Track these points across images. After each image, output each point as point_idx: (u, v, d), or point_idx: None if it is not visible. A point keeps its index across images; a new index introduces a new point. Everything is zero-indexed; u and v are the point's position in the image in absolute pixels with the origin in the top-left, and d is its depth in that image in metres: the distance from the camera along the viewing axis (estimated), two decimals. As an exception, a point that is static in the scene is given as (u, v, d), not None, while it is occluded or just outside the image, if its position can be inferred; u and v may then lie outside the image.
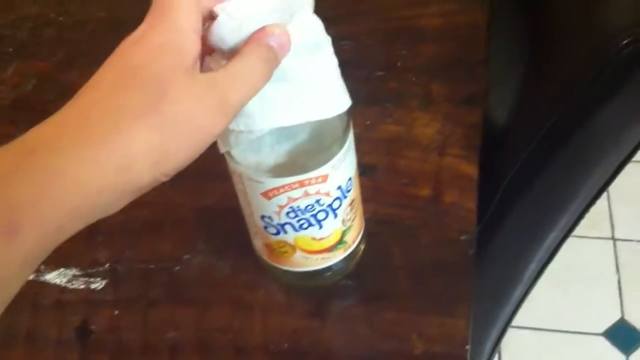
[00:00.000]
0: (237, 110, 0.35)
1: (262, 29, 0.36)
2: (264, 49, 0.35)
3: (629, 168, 0.55)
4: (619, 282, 1.38)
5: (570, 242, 0.66)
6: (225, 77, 0.34)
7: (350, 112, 0.44)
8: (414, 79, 0.67)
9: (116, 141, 0.30)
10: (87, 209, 0.31)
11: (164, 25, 0.34)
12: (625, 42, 0.42)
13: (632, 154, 0.52)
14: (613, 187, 0.57)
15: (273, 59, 0.36)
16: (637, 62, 0.42)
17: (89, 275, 0.57)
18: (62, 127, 0.31)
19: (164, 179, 0.33)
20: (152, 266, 0.57)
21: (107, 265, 0.58)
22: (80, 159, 0.30)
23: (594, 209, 0.61)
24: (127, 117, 0.31)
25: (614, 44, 0.42)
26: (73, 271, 0.57)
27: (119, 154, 0.30)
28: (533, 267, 0.70)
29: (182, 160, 0.33)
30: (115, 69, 0.33)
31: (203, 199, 0.61)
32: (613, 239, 1.44)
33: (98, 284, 0.56)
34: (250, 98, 0.35)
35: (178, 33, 0.34)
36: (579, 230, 0.65)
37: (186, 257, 0.57)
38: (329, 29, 0.40)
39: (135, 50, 0.33)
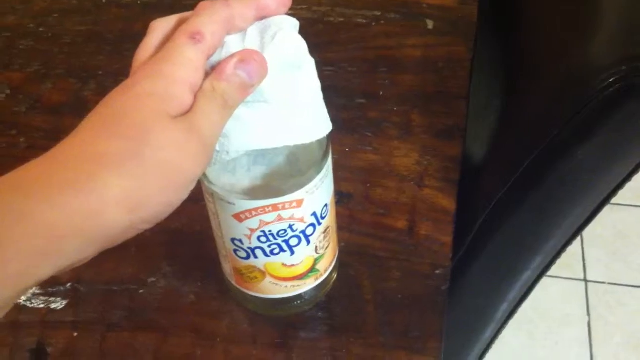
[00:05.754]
0: (214, 146, 0.35)
1: (233, 56, 0.35)
2: (224, 82, 0.34)
3: (603, 210, 0.55)
4: (588, 324, 1.38)
5: (541, 282, 0.66)
6: (201, 118, 0.33)
7: (330, 138, 0.43)
8: (394, 108, 0.67)
9: (88, 187, 0.30)
10: (53, 253, 0.29)
11: (156, 73, 0.33)
12: (611, 79, 0.41)
13: (611, 195, 0.52)
14: (586, 229, 0.57)
15: (238, 89, 0.35)
16: (624, 98, 0.42)
17: (49, 295, 0.55)
18: (33, 171, 0.31)
19: (144, 226, 0.33)
20: (115, 288, 0.55)
21: (68, 284, 0.55)
22: (48, 202, 0.29)
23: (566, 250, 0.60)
24: (103, 165, 0.30)
25: (598, 81, 0.42)
26: (33, 289, 0.55)
27: (90, 200, 0.30)
28: (505, 307, 0.69)
29: (162, 206, 0.33)
30: (98, 116, 0.33)
31: (171, 221, 0.58)
32: (585, 280, 1.45)
33: (58, 304, 0.54)
34: (220, 130, 0.35)
35: (167, 81, 0.33)
36: (550, 270, 0.64)
37: (151, 280, 0.55)
38: (311, 54, 0.39)
39: (122, 97, 0.33)
